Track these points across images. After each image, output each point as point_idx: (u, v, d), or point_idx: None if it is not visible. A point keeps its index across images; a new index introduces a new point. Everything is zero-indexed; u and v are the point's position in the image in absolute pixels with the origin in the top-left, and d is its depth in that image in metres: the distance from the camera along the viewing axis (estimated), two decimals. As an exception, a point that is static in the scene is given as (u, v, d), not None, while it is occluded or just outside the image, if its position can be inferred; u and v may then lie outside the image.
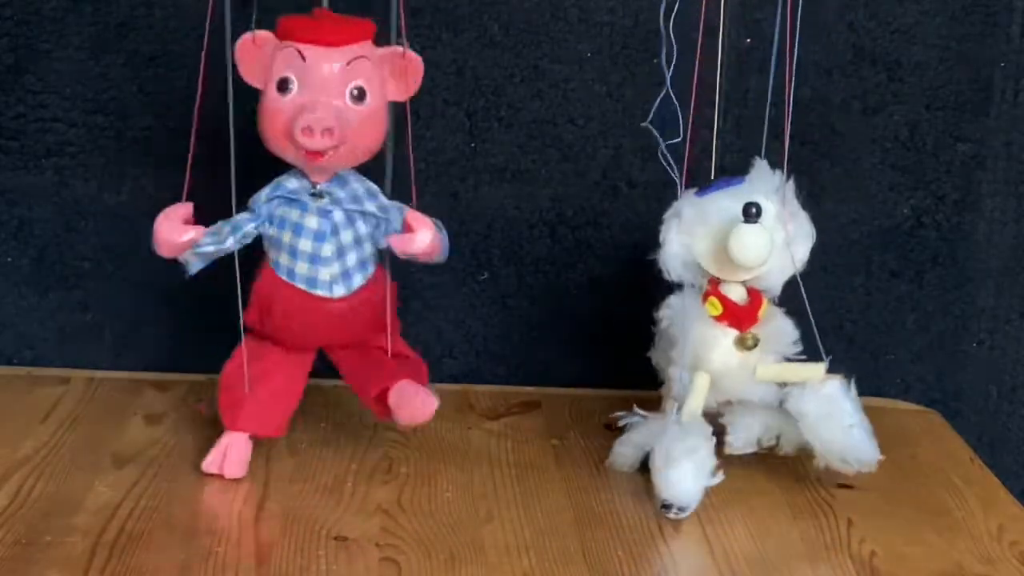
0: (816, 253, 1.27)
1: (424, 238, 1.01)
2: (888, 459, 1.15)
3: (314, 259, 1.01)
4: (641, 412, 1.07)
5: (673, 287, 1.06)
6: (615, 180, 1.26)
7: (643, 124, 1.04)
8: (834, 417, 1.03)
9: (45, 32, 1.20)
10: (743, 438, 1.07)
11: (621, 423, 1.08)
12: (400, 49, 0.99)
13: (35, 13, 1.20)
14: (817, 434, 1.03)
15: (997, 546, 1.01)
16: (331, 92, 0.97)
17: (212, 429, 1.11)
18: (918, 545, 1.00)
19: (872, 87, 1.26)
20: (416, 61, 1.00)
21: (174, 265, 1.24)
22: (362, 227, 1.02)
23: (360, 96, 0.98)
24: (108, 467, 1.05)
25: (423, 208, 1.18)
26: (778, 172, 1.04)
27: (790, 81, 1.02)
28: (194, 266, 1.02)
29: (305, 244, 1.00)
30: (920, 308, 1.31)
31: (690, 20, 1.02)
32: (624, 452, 1.07)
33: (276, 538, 0.95)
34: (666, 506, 1.00)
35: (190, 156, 1.00)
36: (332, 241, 1.01)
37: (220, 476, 1.03)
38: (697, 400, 1.02)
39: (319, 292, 1.01)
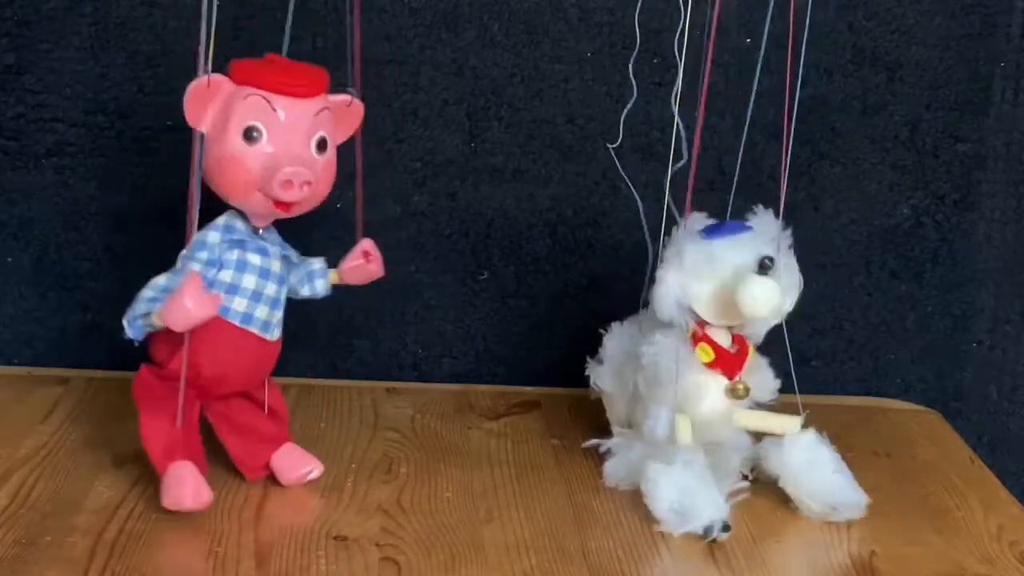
0: (816, 253, 1.27)
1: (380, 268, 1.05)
2: (888, 459, 1.16)
3: (274, 303, 0.99)
4: (619, 431, 1.07)
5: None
6: (615, 180, 1.26)
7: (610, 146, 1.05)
8: (818, 465, 1.02)
9: (45, 32, 1.20)
10: (724, 469, 1.07)
11: (602, 450, 1.07)
12: (347, 98, 0.99)
13: (35, 13, 1.20)
14: (801, 485, 1.03)
15: (997, 546, 1.01)
16: (300, 142, 0.95)
17: (213, 430, 1.11)
18: (918, 545, 1.00)
19: (872, 87, 1.26)
20: (358, 109, 1.01)
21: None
22: (286, 273, 1.02)
23: (322, 146, 0.96)
24: (108, 467, 1.05)
25: (421, 209, 1.19)
26: (779, 221, 1.03)
27: (790, 97, 1.02)
28: (145, 331, 0.99)
29: (271, 288, 0.99)
30: (920, 308, 1.31)
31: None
32: (617, 472, 1.07)
33: (276, 538, 0.95)
34: (726, 528, 0.99)
35: (191, 211, 0.97)
36: (284, 285, 1.01)
37: (186, 506, 0.97)
38: (686, 437, 1.02)
39: (268, 336, 0.99)
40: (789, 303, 1.03)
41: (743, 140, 1.08)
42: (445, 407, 1.21)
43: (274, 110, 0.94)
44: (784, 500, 1.05)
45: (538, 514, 1.02)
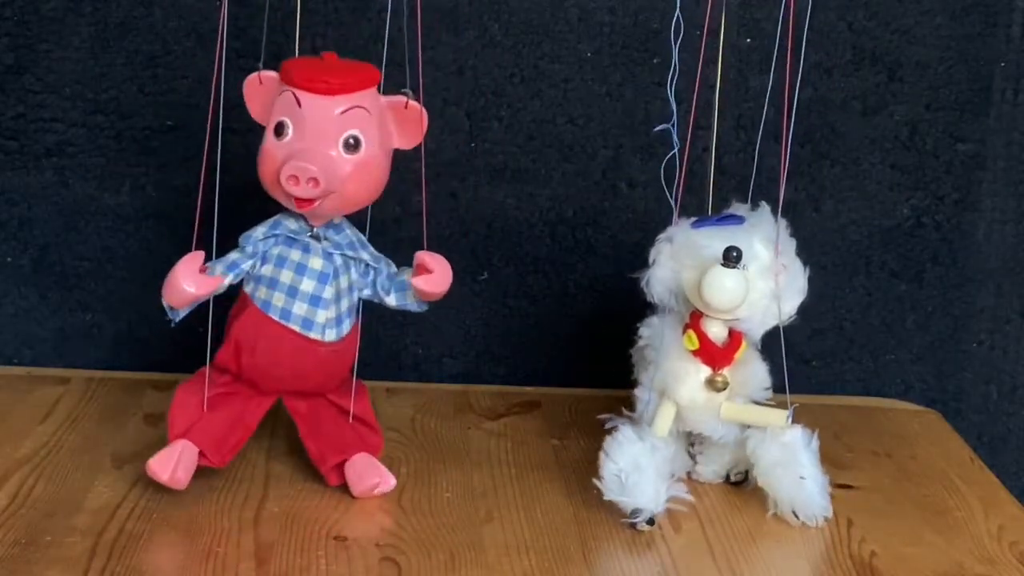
0: (816, 253, 1.27)
1: (449, 276, 1.02)
2: (888, 459, 1.16)
3: (315, 300, 0.99)
4: (628, 414, 1.06)
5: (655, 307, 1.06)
6: (615, 180, 1.26)
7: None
8: (788, 466, 1.02)
9: (45, 32, 1.20)
10: (711, 469, 1.08)
11: (608, 426, 1.08)
12: (403, 100, 0.98)
13: (35, 13, 1.20)
14: (769, 481, 1.03)
15: (997, 546, 1.01)
16: (325, 140, 0.95)
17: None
18: (918, 545, 1.00)
19: (872, 87, 1.26)
20: (418, 112, 0.99)
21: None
22: (354, 274, 1.01)
23: (354, 145, 0.96)
24: (108, 467, 1.05)
25: (421, 209, 1.18)
26: (782, 221, 1.03)
27: (790, 88, 1.02)
28: (183, 312, 0.99)
29: (308, 285, 0.99)
30: (920, 308, 1.31)
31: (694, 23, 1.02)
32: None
33: (276, 538, 0.95)
34: (651, 521, 0.99)
35: (199, 202, 0.97)
36: (333, 284, 0.99)
37: (173, 479, 0.99)
38: (662, 425, 1.02)
39: (313, 335, 0.99)
40: (791, 308, 1.03)
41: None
42: (445, 407, 1.21)
43: (300, 106, 0.96)
44: (784, 500, 1.05)
45: (538, 514, 1.02)
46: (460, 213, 1.26)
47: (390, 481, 1.03)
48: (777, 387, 1.05)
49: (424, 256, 1.02)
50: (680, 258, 1.02)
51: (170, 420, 1.00)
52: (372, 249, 1.02)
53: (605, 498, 1.00)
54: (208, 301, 0.99)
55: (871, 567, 0.97)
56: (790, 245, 1.03)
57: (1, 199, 1.23)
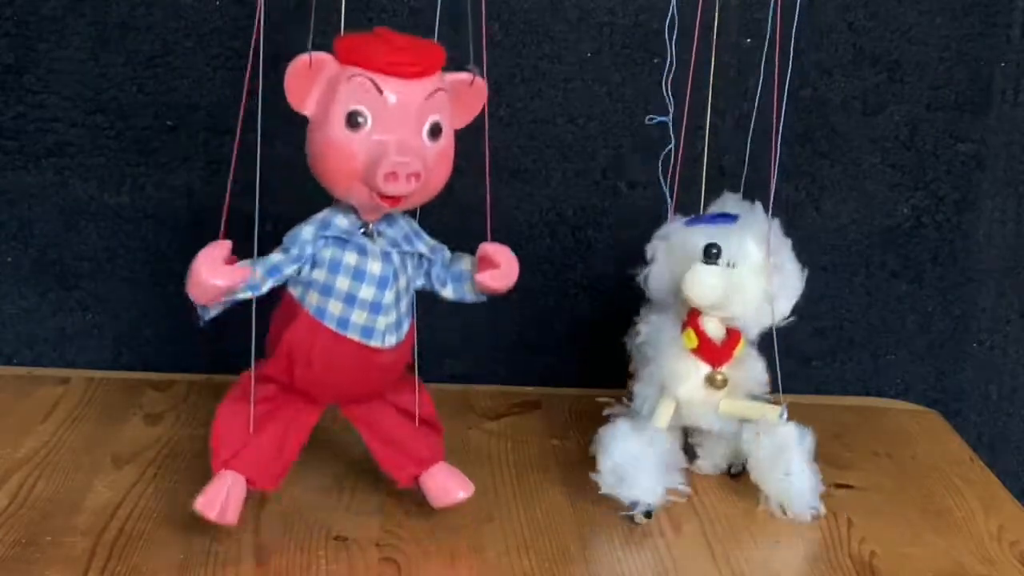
0: (816, 253, 1.28)
1: (516, 269, 0.95)
2: (888, 459, 1.16)
3: (375, 307, 0.90)
4: (629, 403, 1.07)
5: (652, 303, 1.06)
6: (615, 180, 1.26)
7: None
8: (777, 463, 1.02)
9: (45, 32, 1.20)
10: (711, 463, 1.08)
11: (606, 412, 1.08)
12: (469, 76, 0.91)
13: (35, 13, 1.20)
14: (760, 475, 1.03)
15: (997, 546, 1.01)
16: (410, 129, 0.86)
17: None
18: (918, 545, 1.00)
19: (872, 87, 1.26)
20: (480, 88, 0.92)
21: (173, 265, 1.25)
22: (410, 269, 0.93)
23: (436, 132, 0.87)
24: (108, 467, 1.05)
25: (420, 208, 1.18)
26: (775, 222, 1.03)
27: (779, 91, 1.02)
28: (212, 311, 0.89)
29: (367, 292, 0.89)
30: (920, 308, 1.31)
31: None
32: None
33: (276, 538, 0.95)
34: (648, 514, 1.00)
35: (228, 191, 0.88)
36: (393, 288, 0.90)
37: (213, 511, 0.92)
38: (661, 422, 1.03)
39: (373, 343, 0.90)
40: (785, 308, 1.03)
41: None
42: (445, 407, 1.20)
43: (381, 93, 0.86)
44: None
45: (538, 514, 1.02)
46: (460, 213, 1.25)
47: (471, 487, 0.99)
48: (774, 387, 1.05)
49: (489, 248, 0.95)
50: (674, 255, 1.03)
51: (214, 445, 0.92)
52: (427, 237, 0.95)
53: (602, 492, 1.00)
54: (251, 303, 0.90)
55: (871, 567, 0.97)
56: (785, 245, 1.04)
57: (1, 199, 1.23)
